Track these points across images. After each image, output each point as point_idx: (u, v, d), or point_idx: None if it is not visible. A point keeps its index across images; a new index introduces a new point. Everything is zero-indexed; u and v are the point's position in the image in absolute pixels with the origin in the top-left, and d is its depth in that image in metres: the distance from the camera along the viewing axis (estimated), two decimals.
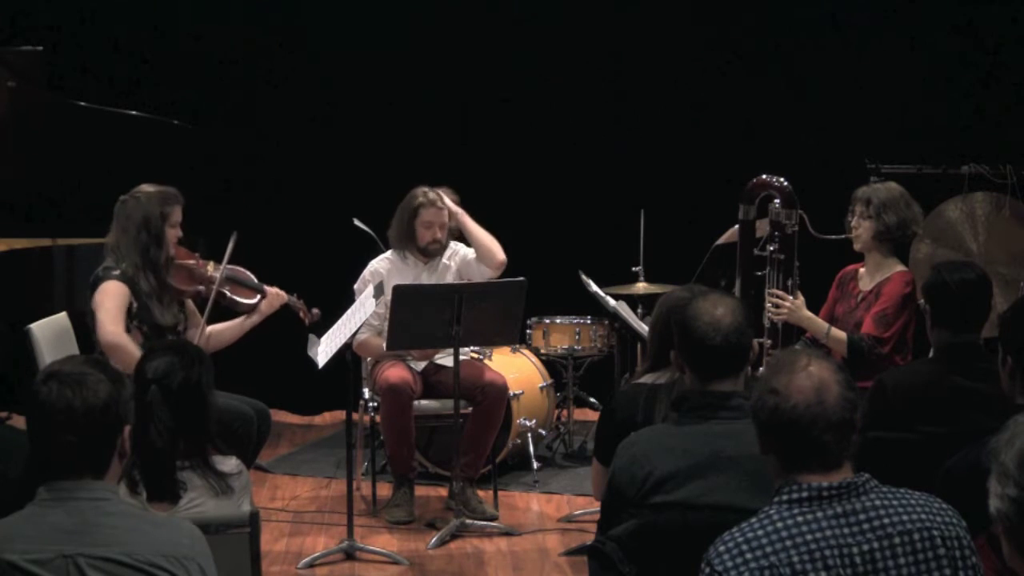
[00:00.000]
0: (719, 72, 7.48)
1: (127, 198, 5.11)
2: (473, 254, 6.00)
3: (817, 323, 5.10)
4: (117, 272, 5.01)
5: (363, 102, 7.55)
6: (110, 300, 4.98)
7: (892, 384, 3.97)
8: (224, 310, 5.37)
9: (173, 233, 5.14)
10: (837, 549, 2.30)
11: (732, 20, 7.46)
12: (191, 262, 5.28)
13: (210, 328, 5.27)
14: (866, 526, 2.33)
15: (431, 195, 5.88)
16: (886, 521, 2.34)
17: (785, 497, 2.36)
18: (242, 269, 5.48)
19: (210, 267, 5.34)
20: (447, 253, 6.02)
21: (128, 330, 5.02)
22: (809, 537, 2.31)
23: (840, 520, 2.33)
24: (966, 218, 6.90)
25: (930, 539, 2.34)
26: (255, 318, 5.38)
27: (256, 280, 5.47)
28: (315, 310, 5.52)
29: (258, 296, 5.38)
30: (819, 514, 2.33)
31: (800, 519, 2.33)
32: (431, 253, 5.93)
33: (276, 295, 5.41)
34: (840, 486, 2.35)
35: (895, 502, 2.37)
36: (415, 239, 5.90)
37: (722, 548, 2.32)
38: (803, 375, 2.41)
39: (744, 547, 2.30)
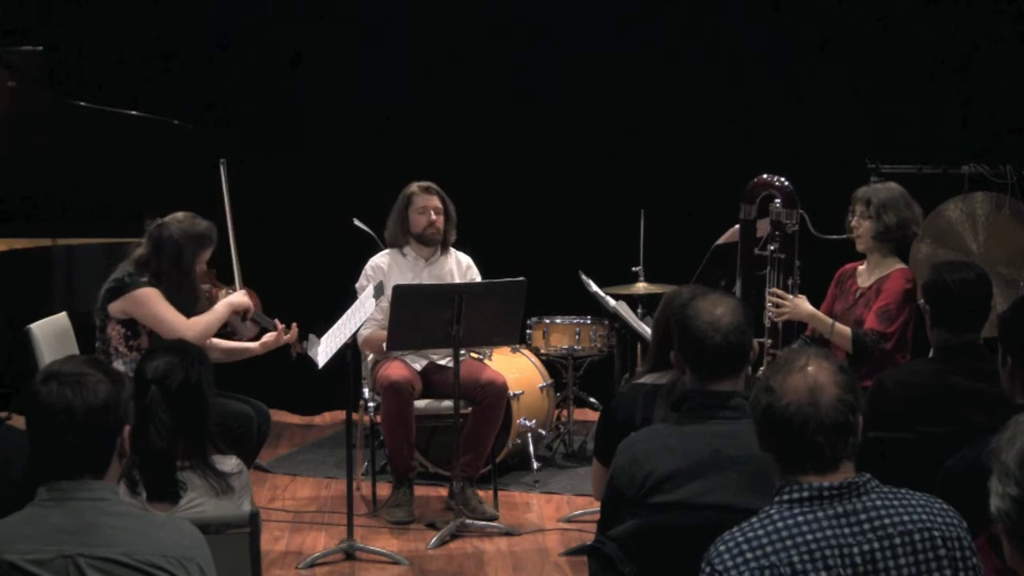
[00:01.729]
0: (719, 72, 7.48)
1: (163, 224, 5.06)
2: (472, 264, 6.03)
3: (821, 319, 5.10)
4: (145, 279, 5.00)
5: (363, 102, 7.55)
6: (159, 302, 4.98)
7: (892, 384, 3.97)
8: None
9: (199, 268, 5.14)
10: (837, 549, 2.30)
11: (732, 20, 7.46)
12: (207, 285, 5.28)
13: (215, 341, 5.28)
14: (867, 526, 2.33)
15: (423, 183, 5.91)
16: (887, 521, 2.34)
17: (786, 497, 2.36)
18: (253, 299, 5.47)
19: (222, 294, 5.35)
20: (451, 260, 6.01)
21: (137, 334, 5.04)
22: (809, 537, 2.30)
23: (841, 520, 2.33)
24: (966, 218, 6.90)
25: (931, 539, 2.34)
26: (256, 349, 5.38)
27: (262, 312, 5.46)
28: (305, 342, 5.51)
29: (259, 329, 5.40)
30: (819, 514, 2.33)
31: (800, 519, 2.32)
32: (429, 240, 5.91)
33: (277, 338, 5.39)
34: (841, 486, 2.35)
35: (896, 502, 2.37)
36: (411, 229, 5.90)
37: (722, 548, 2.32)
38: (799, 375, 2.41)
39: (744, 547, 2.30)
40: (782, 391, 2.40)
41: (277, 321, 5.42)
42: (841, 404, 2.39)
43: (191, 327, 4.99)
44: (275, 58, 7.54)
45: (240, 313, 5.28)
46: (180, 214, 5.11)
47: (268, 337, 5.40)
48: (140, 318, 5.01)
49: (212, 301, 5.29)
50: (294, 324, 5.43)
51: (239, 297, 5.29)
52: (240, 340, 5.39)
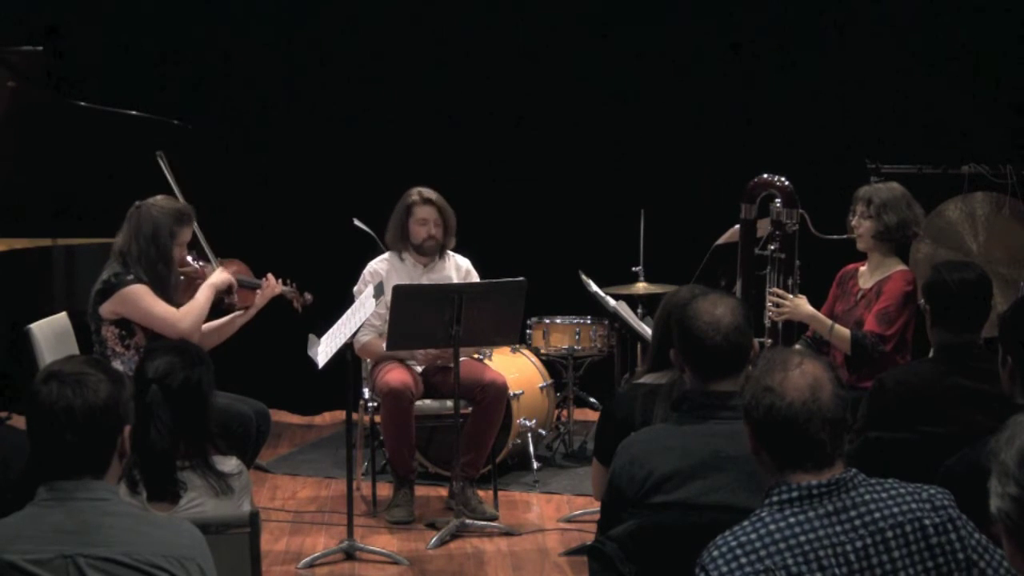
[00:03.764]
0: (719, 72, 7.48)
1: (141, 205, 5.10)
2: (471, 268, 6.02)
3: (821, 320, 5.10)
4: (131, 277, 5.02)
5: (363, 102, 7.55)
6: (148, 299, 5.00)
7: (892, 384, 3.97)
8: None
9: (179, 251, 5.15)
10: (831, 548, 2.31)
11: (732, 20, 7.46)
12: (191, 268, 5.28)
13: (204, 327, 5.27)
14: (858, 522, 2.33)
15: (425, 193, 5.90)
16: (877, 516, 2.34)
17: (776, 498, 2.36)
18: (240, 266, 5.48)
19: (209, 271, 5.34)
20: (449, 264, 6.01)
21: (132, 332, 5.04)
22: (803, 538, 2.30)
23: (832, 519, 2.33)
24: (966, 218, 6.90)
25: (921, 529, 2.34)
26: (250, 312, 5.39)
27: (252, 276, 5.48)
28: (307, 295, 5.53)
29: (255, 292, 5.40)
30: (811, 514, 2.33)
31: (792, 520, 2.33)
32: (427, 251, 5.92)
33: (269, 289, 5.42)
34: (829, 483, 2.36)
35: (884, 495, 2.37)
36: (410, 238, 5.90)
37: (716, 553, 2.31)
38: (797, 372, 2.42)
39: (738, 551, 2.30)
40: (783, 390, 2.40)
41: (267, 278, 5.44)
42: (839, 399, 2.41)
43: (183, 317, 5.03)
44: (276, 59, 7.54)
45: (224, 290, 5.27)
46: (158, 196, 5.16)
47: (257, 299, 5.41)
48: (131, 316, 5.02)
49: (200, 279, 5.29)
50: (268, 275, 5.43)
51: (218, 276, 5.28)
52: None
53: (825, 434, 2.38)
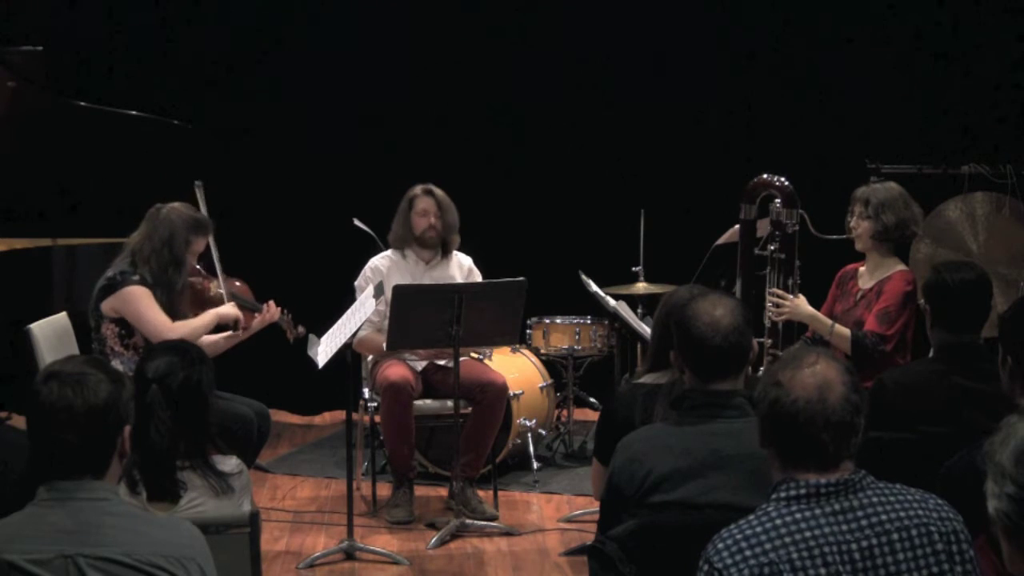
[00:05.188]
0: (719, 72, 7.48)
1: (161, 208, 5.13)
2: (473, 266, 6.03)
3: (821, 320, 5.10)
4: (136, 278, 5.03)
5: (363, 102, 7.55)
6: (146, 302, 5.01)
7: (892, 384, 3.97)
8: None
9: (191, 259, 5.16)
10: (836, 546, 2.31)
11: (732, 20, 7.46)
12: (196, 279, 5.29)
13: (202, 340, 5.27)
14: (864, 523, 2.34)
15: (425, 186, 5.92)
16: (884, 518, 2.35)
17: (783, 494, 2.37)
18: (243, 286, 5.48)
19: (213, 287, 5.35)
20: (452, 264, 6.01)
21: (132, 332, 5.05)
22: (808, 534, 2.31)
23: (839, 517, 2.34)
24: (966, 218, 6.90)
25: (928, 535, 2.35)
26: (244, 335, 5.39)
27: (253, 298, 5.48)
28: (300, 328, 5.52)
29: (254, 315, 5.41)
30: (817, 511, 2.34)
31: (799, 516, 2.33)
32: (428, 244, 5.91)
33: (269, 315, 5.42)
34: (838, 483, 2.36)
35: (892, 498, 2.38)
36: (412, 231, 5.91)
37: (721, 545, 2.32)
38: (808, 371, 2.42)
39: (743, 544, 2.30)
40: (790, 386, 2.40)
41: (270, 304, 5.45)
42: (848, 404, 2.40)
43: (173, 329, 4.99)
44: (276, 58, 7.54)
45: (228, 323, 5.27)
46: (179, 203, 5.18)
47: (255, 323, 5.42)
48: (126, 316, 5.03)
49: (202, 294, 5.30)
50: (270, 301, 5.44)
51: (228, 309, 5.28)
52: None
53: (827, 436, 2.37)
